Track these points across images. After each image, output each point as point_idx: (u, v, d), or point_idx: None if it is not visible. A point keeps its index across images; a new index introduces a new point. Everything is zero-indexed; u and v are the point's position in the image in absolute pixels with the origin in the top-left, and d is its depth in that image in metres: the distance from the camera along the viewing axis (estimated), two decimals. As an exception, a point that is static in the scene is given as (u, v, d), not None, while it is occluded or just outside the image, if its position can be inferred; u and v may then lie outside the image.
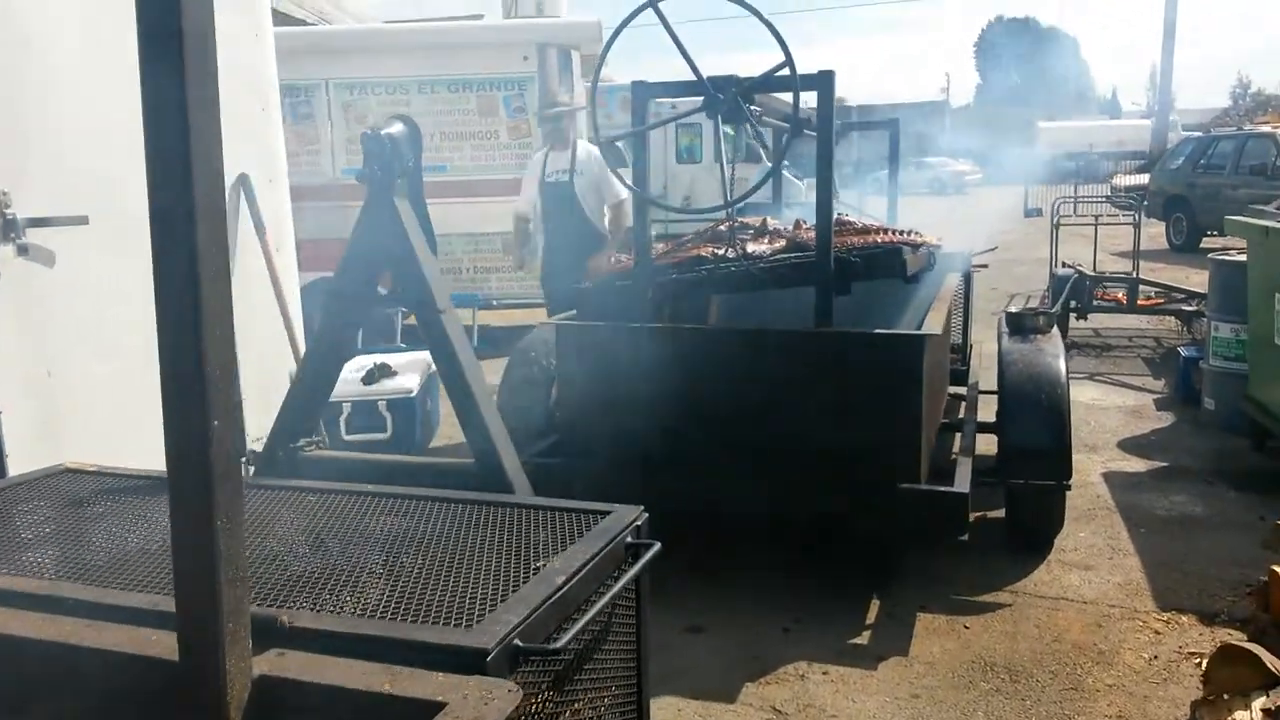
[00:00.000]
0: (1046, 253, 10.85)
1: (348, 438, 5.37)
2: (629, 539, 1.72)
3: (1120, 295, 8.95)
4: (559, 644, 1.35)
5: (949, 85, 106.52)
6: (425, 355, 6.00)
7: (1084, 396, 6.81)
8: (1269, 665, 2.74)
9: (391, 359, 5.71)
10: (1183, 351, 7.00)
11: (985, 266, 7.21)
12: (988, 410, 5.06)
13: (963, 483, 3.72)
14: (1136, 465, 5.54)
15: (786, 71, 3.56)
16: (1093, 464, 5.50)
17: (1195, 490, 5.09)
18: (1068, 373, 4.40)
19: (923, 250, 4.44)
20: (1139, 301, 8.84)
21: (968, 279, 6.30)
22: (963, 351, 6.11)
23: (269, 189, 4.39)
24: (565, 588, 1.46)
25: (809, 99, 3.79)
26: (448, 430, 6.26)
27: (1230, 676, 2.86)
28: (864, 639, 3.62)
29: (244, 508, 1.22)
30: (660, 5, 3.50)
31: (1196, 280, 9.71)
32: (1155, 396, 7.03)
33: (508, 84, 9.43)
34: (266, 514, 1.85)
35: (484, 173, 9.38)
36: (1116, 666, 3.38)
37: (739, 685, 3.29)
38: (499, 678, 1.24)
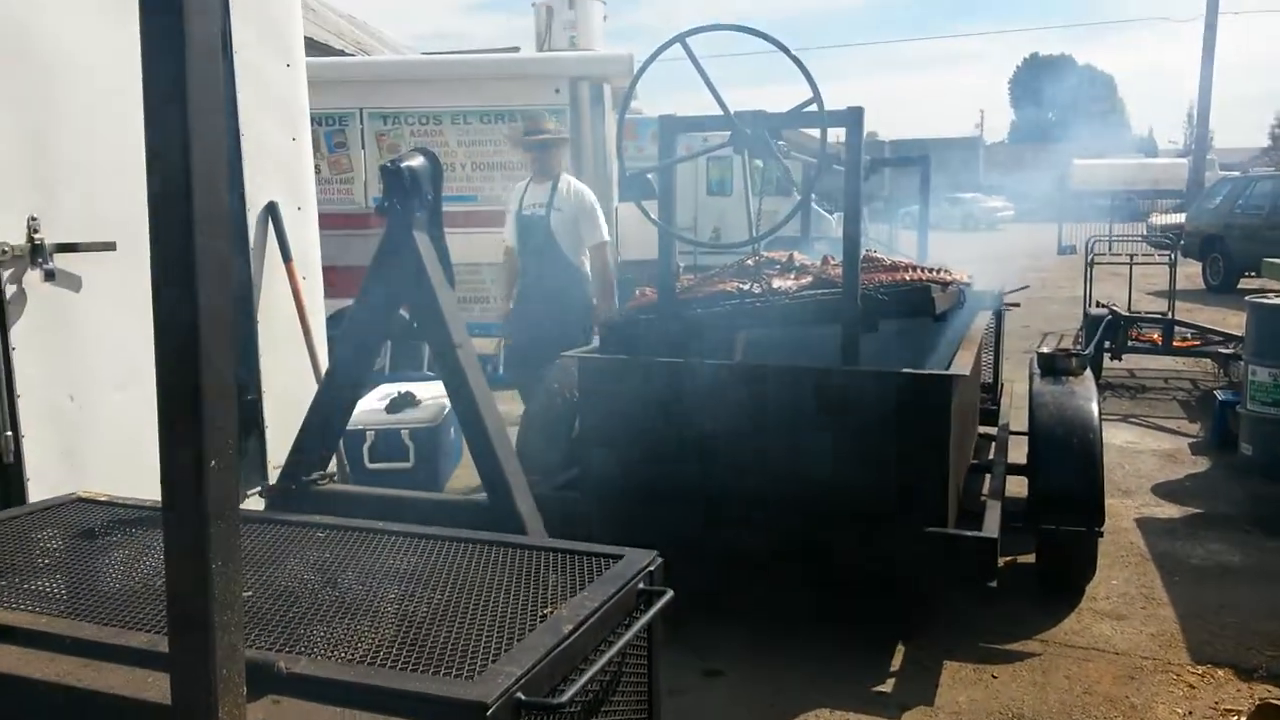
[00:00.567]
0: (1080, 291, 10.72)
1: (371, 466, 5.35)
2: (641, 585, 1.67)
3: (1155, 336, 8.81)
4: (563, 699, 1.30)
5: (983, 121, 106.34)
6: (450, 385, 5.99)
7: (1118, 439, 6.68)
8: (1310, 727, 2.64)
9: (416, 388, 5.70)
10: (1219, 395, 6.86)
11: (1017, 305, 7.13)
12: (1018, 451, 4.97)
13: (992, 527, 3.64)
14: (1171, 511, 5.41)
15: (814, 107, 3.53)
16: (1126, 509, 5.38)
17: (1232, 538, 4.96)
18: (1100, 416, 4.31)
19: (952, 288, 4.38)
20: (1175, 343, 8.70)
21: (999, 317, 6.22)
22: (993, 391, 6.03)
23: (297, 217, 4.41)
24: (572, 637, 1.42)
25: (840, 133, 3.77)
26: (467, 460, 6.24)
27: (1269, 737, 2.76)
28: (888, 687, 3.53)
29: (241, 550, 1.19)
30: (689, 40, 3.49)
31: (1234, 322, 9.54)
32: (1191, 440, 6.89)
33: (540, 116, 9.48)
34: (275, 550, 1.82)
35: (514, 203, 9.42)
36: (1149, 722, 3.27)
37: (758, 732, 3.22)
38: (499, 732, 1.20)
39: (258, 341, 4.10)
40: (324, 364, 4.41)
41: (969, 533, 3.58)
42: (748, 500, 3.68)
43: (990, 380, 6.01)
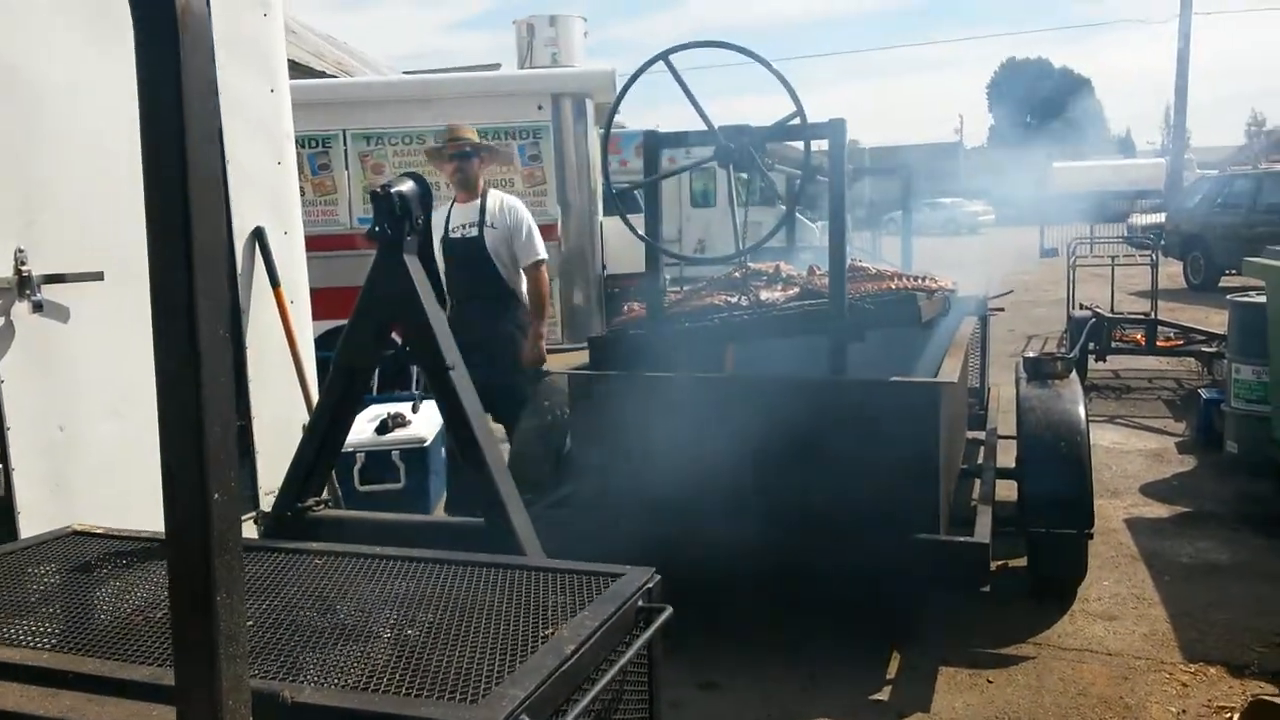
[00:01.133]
0: (1063, 294, 10.80)
1: (361, 488, 5.35)
2: (640, 603, 1.69)
3: (1139, 336, 8.89)
4: (569, 719, 1.31)
5: (962, 126, 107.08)
6: (440, 404, 5.99)
7: (1104, 440, 6.73)
8: (1303, 723, 2.67)
9: (405, 408, 5.70)
10: (1203, 394, 6.92)
11: (1002, 310, 7.18)
12: (1007, 455, 5.01)
13: (983, 532, 3.67)
14: (1159, 511, 5.45)
15: (797, 120, 3.57)
16: (1115, 510, 5.42)
17: (1220, 536, 5.00)
18: (1088, 418, 4.35)
19: (938, 295, 4.42)
20: (1158, 343, 8.77)
21: (984, 322, 6.26)
22: (980, 396, 6.07)
23: (284, 241, 4.41)
24: (574, 657, 1.43)
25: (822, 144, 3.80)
26: (462, 479, 6.25)
27: (1263, 733, 2.79)
28: (884, 694, 3.54)
29: (244, 580, 1.20)
30: (672, 58, 3.52)
31: (1216, 320, 9.63)
32: (1177, 439, 6.94)
33: (523, 133, 9.52)
34: (272, 577, 1.83)
35: (499, 220, 9.44)
36: (1144, 722, 3.30)
37: (757, 743, 3.23)
38: (505, 755, 1.21)
39: (247, 368, 4.10)
40: (313, 388, 4.41)
41: (961, 538, 3.61)
42: (740, 511, 3.69)
43: (977, 385, 6.04)
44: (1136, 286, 11.80)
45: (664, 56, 3.57)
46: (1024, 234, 24.28)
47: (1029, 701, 3.44)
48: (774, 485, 3.68)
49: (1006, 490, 4.71)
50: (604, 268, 10.40)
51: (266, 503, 3.93)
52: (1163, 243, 14.70)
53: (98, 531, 2.12)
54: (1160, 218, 20.28)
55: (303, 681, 1.37)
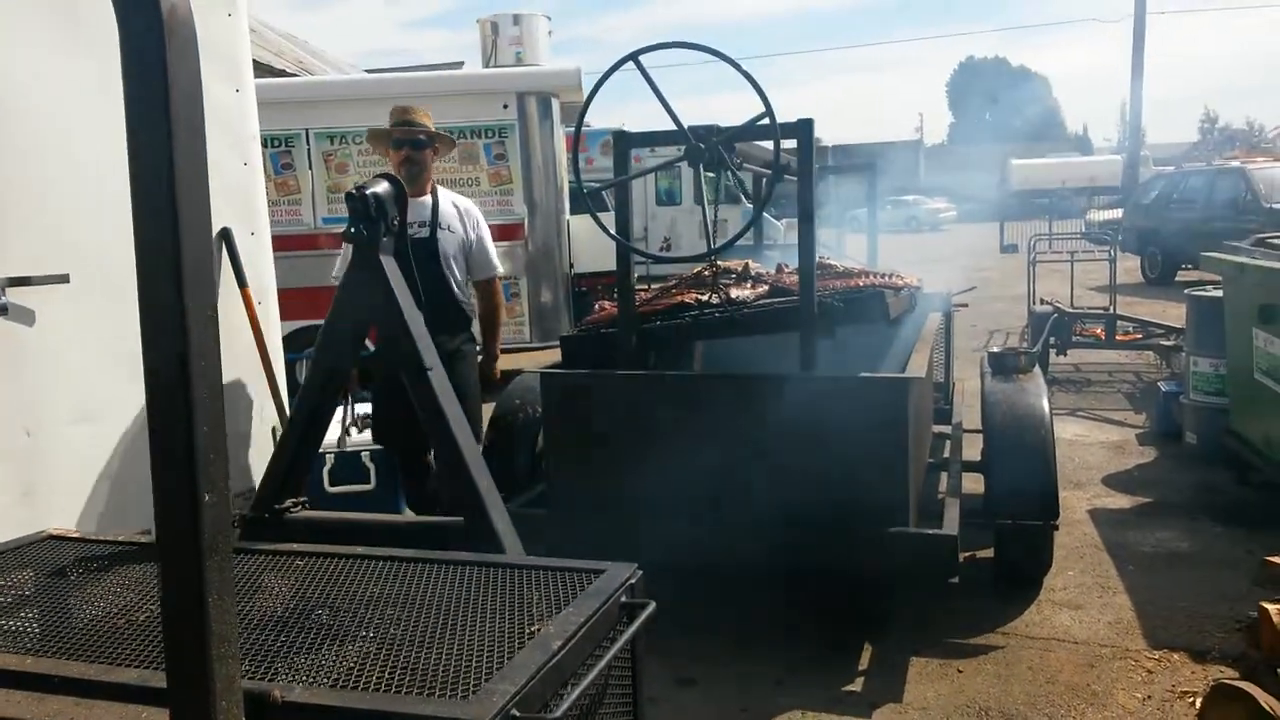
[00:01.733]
0: (1023, 289, 10.95)
1: (331, 489, 5.31)
2: (623, 598, 1.71)
3: (1099, 331, 9.04)
4: (557, 714, 1.33)
5: (923, 124, 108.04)
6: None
7: (1067, 433, 6.84)
8: (1264, 705, 2.74)
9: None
10: (1162, 386, 7.05)
11: (965, 306, 7.27)
12: (973, 448, 5.08)
13: (951, 525, 3.72)
14: (1122, 502, 5.55)
15: (766, 120, 3.60)
16: (1078, 501, 5.52)
17: (1181, 526, 5.11)
18: (1051, 412, 4.42)
19: (904, 292, 4.48)
20: (1118, 337, 8.93)
21: (948, 318, 6.34)
22: (945, 390, 6.14)
23: (251, 242, 4.38)
24: (561, 653, 1.45)
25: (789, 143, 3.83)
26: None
27: (1225, 716, 2.86)
28: (857, 686, 3.59)
29: (234, 580, 1.21)
30: (642, 59, 3.54)
31: (1173, 314, 9.82)
32: (1137, 431, 7.07)
33: (488, 131, 9.50)
34: (254, 580, 1.83)
35: (465, 219, 9.42)
36: (1110, 707, 3.37)
37: (733, 737, 3.26)
38: (496, 749, 1.22)
39: (218, 369, 4.07)
40: (283, 389, 4.39)
41: (930, 531, 3.66)
42: (713, 508, 3.72)
43: (942, 380, 6.12)
44: (1095, 281, 11.98)
45: (634, 57, 3.58)
46: (984, 230, 24.57)
47: (998, 690, 3.50)
48: (745, 481, 3.71)
49: (972, 483, 4.78)
50: (571, 266, 10.40)
51: (237, 504, 3.90)
52: (1120, 238, 14.95)
53: (74, 536, 2.11)
54: (1117, 214, 20.62)
55: (292, 681, 1.38)
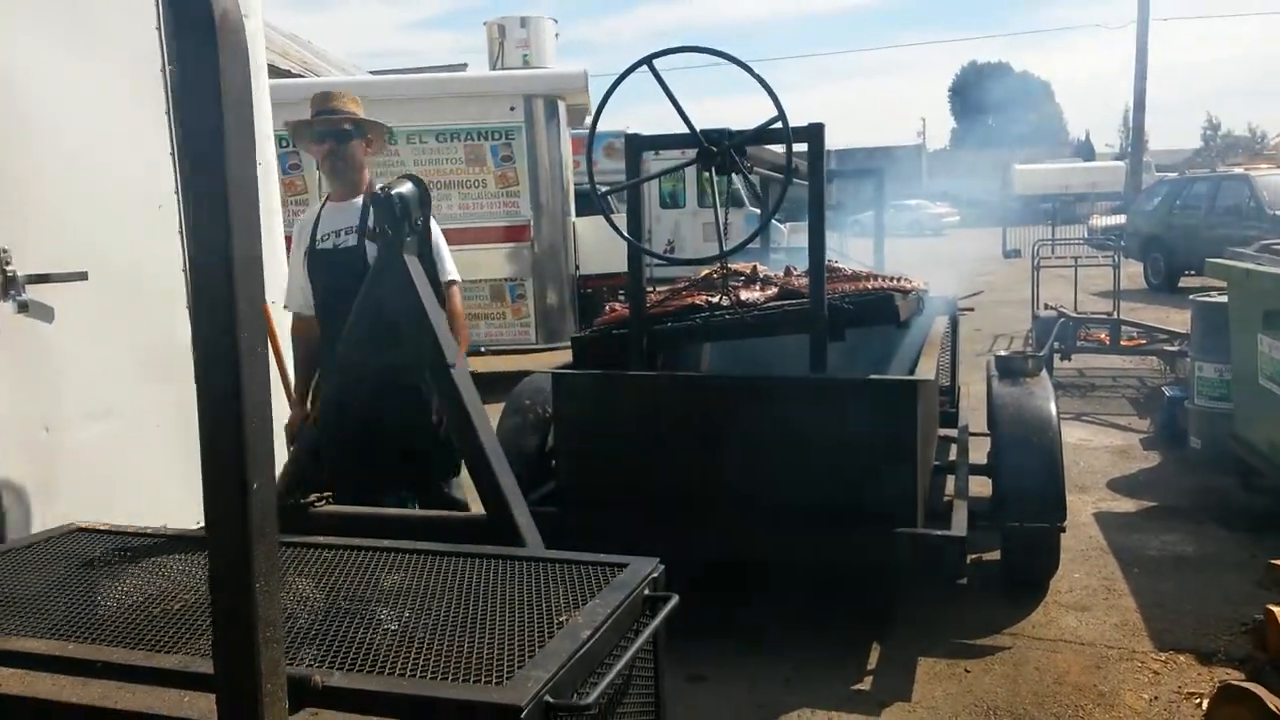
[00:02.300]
0: (1027, 294, 10.98)
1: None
2: (647, 591, 1.74)
3: (1103, 336, 9.07)
4: (589, 699, 1.37)
5: (925, 129, 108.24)
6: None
7: (1071, 437, 6.87)
8: (1270, 705, 2.77)
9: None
10: (1167, 391, 7.08)
11: (971, 310, 7.31)
12: (979, 452, 5.11)
13: (959, 526, 3.75)
14: (1127, 505, 5.58)
15: (779, 124, 3.63)
16: (1084, 505, 5.55)
17: (1186, 530, 5.14)
18: (1059, 415, 4.45)
19: (912, 295, 4.51)
20: (1122, 342, 8.96)
21: (954, 322, 6.38)
22: (951, 394, 6.17)
23: (266, 239, 4.42)
24: (590, 642, 1.48)
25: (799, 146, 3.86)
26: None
27: (1231, 716, 2.89)
28: (866, 684, 3.62)
29: (279, 567, 1.24)
30: (656, 63, 3.58)
31: (1177, 320, 9.85)
32: (1141, 436, 7.10)
33: (495, 133, 9.55)
34: (285, 571, 1.86)
35: (472, 221, 9.47)
36: (1117, 708, 3.39)
37: (743, 734, 3.29)
38: (531, 734, 1.26)
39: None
40: (294, 384, 4.42)
41: (938, 532, 3.69)
42: (724, 508, 3.76)
43: (948, 384, 6.15)
44: (1098, 287, 12.02)
45: (648, 61, 3.62)
46: (987, 235, 24.60)
47: (1006, 690, 3.53)
48: (755, 482, 3.75)
49: (978, 487, 4.81)
50: (577, 268, 10.44)
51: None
52: (1123, 244, 14.98)
53: (101, 528, 2.15)
54: (1120, 219, 20.65)
55: (330, 667, 1.41)
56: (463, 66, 20.42)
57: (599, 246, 10.29)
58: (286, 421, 3.69)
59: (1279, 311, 4.89)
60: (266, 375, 1.20)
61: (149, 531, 2.12)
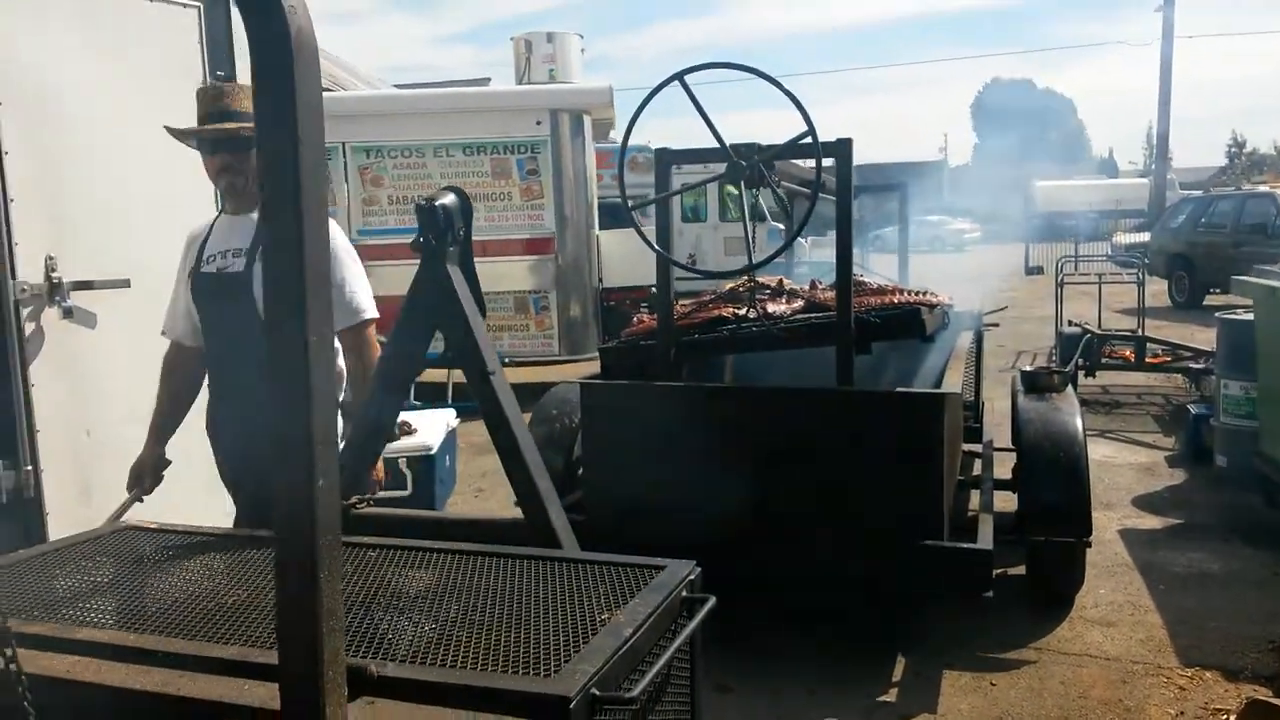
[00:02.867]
0: (1050, 310, 10.97)
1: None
2: (684, 593, 1.78)
3: (1128, 353, 9.05)
4: (634, 693, 1.41)
5: (947, 145, 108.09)
6: (445, 413, 6.08)
7: (1096, 454, 6.84)
8: (1298, 720, 2.78)
9: (412, 416, 5.78)
10: (1192, 409, 7.06)
11: (997, 325, 7.31)
12: (1003, 467, 5.12)
13: (985, 540, 3.77)
14: (1152, 522, 5.58)
15: (808, 139, 3.68)
16: (1109, 521, 5.54)
17: (1212, 547, 5.13)
18: (1084, 431, 4.47)
19: (938, 310, 4.54)
20: (1147, 359, 8.93)
21: (979, 337, 6.39)
22: (975, 409, 6.18)
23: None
24: (633, 639, 1.52)
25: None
26: (461, 486, 6.33)
27: (1259, 732, 2.90)
28: (891, 697, 3.64)
29: (341, 562, 1.29)
30: (687, 79, 3.63)
31: (1201, 337, 9.81)
32: (1166, 453, 7.08)
33: (521, 147, 9.65)
34: (330, 570, 1.91)
35: (497, 233, 9.56)
36: (1143, 723, 3.40)
37: (769, 743, 3.31)
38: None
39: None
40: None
41: (965, 545, 3.71)
42: (751, 519, 3.79)
43: (972, 399, 6.16)
44: (1121, 304, 11.98)
45: (679, 77, 3.67)
46: (1008, 251, 24.52)
47: (1032, 703, 3.54)
48: (781, 493, 3.78)
49: (1003, 502, 4.82)
50: (600, 281, 10.52)
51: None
52: (1147, 261, 14.93)
53: (151, 527, 2.21)
54: (1144, 237, 20.56)
55: (384, 658, 1.46)
56: (486, 81, 20.61)
57: (622, 259, 10.36)
58: (134, 463, 3.09)
59: (1306, 329, 4.89)
60: (331, 373, 1.25)
61: (194, 529, 2.18)
